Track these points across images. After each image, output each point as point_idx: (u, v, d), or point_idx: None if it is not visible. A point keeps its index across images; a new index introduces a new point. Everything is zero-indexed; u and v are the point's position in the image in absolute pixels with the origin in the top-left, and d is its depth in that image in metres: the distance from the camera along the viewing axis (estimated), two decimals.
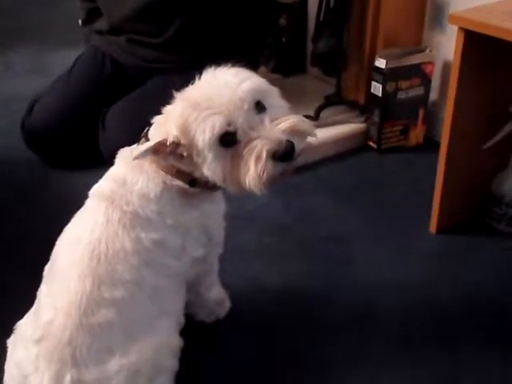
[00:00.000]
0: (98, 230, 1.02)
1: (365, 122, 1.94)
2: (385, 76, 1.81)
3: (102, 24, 1.94)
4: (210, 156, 0.97)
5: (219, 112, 0.95)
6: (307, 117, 1.93)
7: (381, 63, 1.80)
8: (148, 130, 1.09)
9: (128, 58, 1.90)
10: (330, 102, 1.99)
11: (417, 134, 1.94)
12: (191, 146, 0.98)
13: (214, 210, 1.15)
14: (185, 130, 0.97)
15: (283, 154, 0.94)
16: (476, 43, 1.29)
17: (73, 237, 1.04)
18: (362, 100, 1.97)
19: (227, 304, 1.32)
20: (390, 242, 1.55)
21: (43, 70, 2.58)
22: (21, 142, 1.89)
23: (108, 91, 1.89)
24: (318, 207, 1.69)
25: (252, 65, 2.07)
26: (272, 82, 2.24)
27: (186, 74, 1.84)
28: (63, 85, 1.91)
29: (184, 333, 1.10)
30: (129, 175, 1.06)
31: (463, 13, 1.26)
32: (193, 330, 1.20)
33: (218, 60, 1.95)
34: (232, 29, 1.90)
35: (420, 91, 1.87)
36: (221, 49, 1.87)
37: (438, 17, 1.86)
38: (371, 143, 1.93)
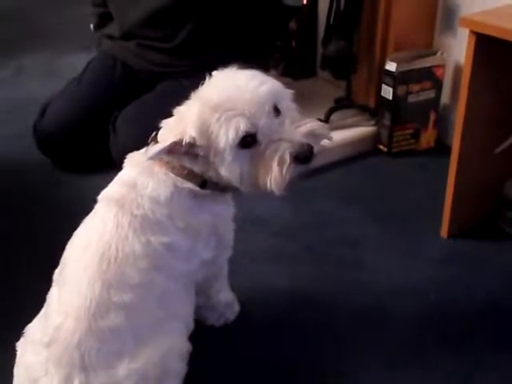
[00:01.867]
0: (108, 234, 1.02)
1: (375, 125, 1.93)
2: (395, 79, 1.80)
3: (113, 29, 1.95)
4: (229, 156, 0.99)
5: (242, 114, 0.96)
6: (317, 120, 1.93)
7: (391, 66, 1.79)
8: (157, 133, 1.09)
9: (138, 62, 1.91)
10: (340, 105, 1.98)
11: (428, 138, 1.93)
12: (209, 146, 0.99)
13: (224, 212, 1.15)
14: (204, 130, 0.98)
15: (305, 156, 0.97)
16: (487, 46, 1.28)
17: (83, 241, 1.05)
18: (372, 103, 1.97)
19: (236, 307, 1.32)
20: (400, 246, 1.54)
21: (55, 73, 2.59)
22: (33, 145, 1.90)
23: (119, 95, 1.89)
24: (328, 211, 1.68)
25: (262, 68, 2.09)
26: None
27: (196, 78, 1.87)
28: (74, 89, 1.92)
29: (193, 336, 1.10)
30: (139, 179, 1.06)
31: (474, 16, 1.25)
32: (202, 333, 1.19)
33: (228, 64, 1.96)
34: (242, 33, 1.90)
35: (431, 94, 1.86)
36: (231, 53, 1.87)
37: (449, 20, 1.85)
38: (382, 147, 1.92)
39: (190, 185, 1.06)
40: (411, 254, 1.51)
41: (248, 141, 0.98)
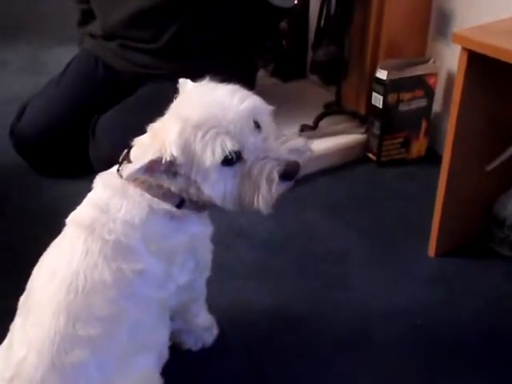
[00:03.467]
0: (76, 262, 0.97)
1: (365, 133, 1.88)
2: (386, 87, 1.74)
3: (95, 27, 1.88)
4: (214, 175, 0.95)
5: (227, 131, 0.93)
6: (306, 126, 1.88)
7: (382, 74, 1.74)
8: (129, 151, 1.04)
9: (121, 63, 1.84)
10: (329, 111, 1.93)
11: (418, 147, 1.88)
12: (191, 164, 0.95)
13: (202, 233, 1.10)
14: (186, 149, 0.94)
15: (292, 173, 0.96)
16: (480, 62, 1.23)
17: (49, 268, 0.99)
18: (362, 110, 1.91)
19: (215, 330, 1.27)
20: (386, 263, 1.49)
21: (39, 67, 2.51)
22: (11, 146, 1.83)
23: (101, 97, 1.83)
24: (314, 223, 1.63)
25: (250, 70, 2.04)
26: (270, 86, 2.22)
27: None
28: (54, 90, 1.85)
29: (168, 361, 1.06)
30: (112, 201, 1.01)
31: (467, 32, 1.20)
32: (178, 357, 1.15)
33: (215, 67, 1.89)
34: (230, 34, 1.84)
35: (423, 103, 1.81)
36: (217, 56, 1.82)
37: (443, 27, 1.79)
38: (371, 155, 1.87)
39: (166, 205, 1.01)
40: (397, 273, 1.46)
41: (232, 159, 0.94)
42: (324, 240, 1.57)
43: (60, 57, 2.33)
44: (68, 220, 1.04)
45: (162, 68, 1.79)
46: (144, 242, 1.00)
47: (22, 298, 1.02)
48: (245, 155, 0.95)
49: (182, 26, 1.74)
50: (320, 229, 1.61)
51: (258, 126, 0.97)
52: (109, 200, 1.01)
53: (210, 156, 0.93)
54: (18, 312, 1.01)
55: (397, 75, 1.74)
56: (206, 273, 1.15)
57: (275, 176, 0.95)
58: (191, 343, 1.23)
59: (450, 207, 1.44)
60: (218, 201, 0.99)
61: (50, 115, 1.79)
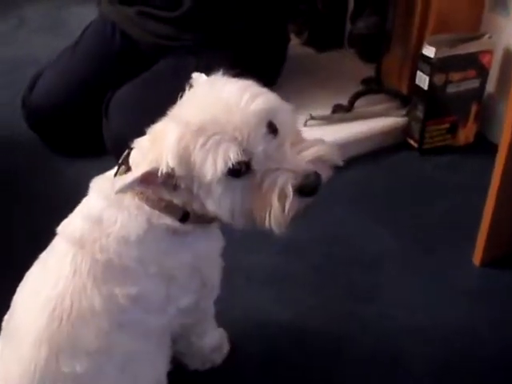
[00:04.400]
0: (63, 284, 0.85)
1: (406, 115, 1.68)
2: (433, 67, 1.54)
3: None
4: (218, 189, 0.80)
5: (232, 138, 0.78)
6: (339, 106, 1.70)
7: (429, 51, 1.53)
8: (129, 153, 0.89)
9: (139, 32, 1.68)
10: (367, 89, 1.74)
11: (467, 133, 1.68)
12: (192, 177, 0.81)
13: (210, 249, 0.96)
14: (185, 159, 0.79)
15: (311, 188, 0.80)
16: None
17: (33, 287, 0.88)
18: (404, 90, 1.71)
19: (225, 349, 1.14)
20: (424, 271, 1.33)
21: (60, 27, 2.38)
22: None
23: (117, 69, 1.69)
24: (342, 221, 1.47)
25: (281, 40, 1.85)
26: (303, 57, 2.03)
27: (204, 55, 1.63)
28: (68, 60, 1.71)
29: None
30: (105, 212, 0.87)
31: None
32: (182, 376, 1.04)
33: (242, 38, 1.69)
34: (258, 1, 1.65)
35: (474, 84, 1.60)
36: (245, 24, 1.64)
37: None
38: (412, 141, 1.68)
39: (168, 220, 0.87)
40: (437, 283, 1.30)
41: (240, 170, 0.79)
42: (353, 241, 1.41)
43: (81, 16, 2.18)
44: (59, 229, 0.91)
45: (184, 39, 1.63)
46: (141, 261, 0.86)
47: (7, 317, 0.91)
48: (254, 166, 0.79)
49: None
50: (349, 228, 1.45)
51: (274, 129, 0.81)
52: (102, 211, 0.87)
53: (211, 168, 0.78)
54: (2, 333, 0.91)
55: (446, 53, 1.54)
56: (215, 293, 1.01)
57: (289, 191, 0.79)
58: (198, 364, 1.10)
59: (504, 207, 1.25)
60: (224, 218, 0.84)
61: (64, 88, 1.67)
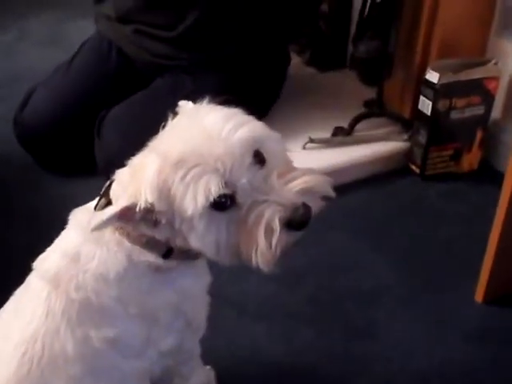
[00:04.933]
0: (35, 325, 0.79)
1: (408, 140, 1.63)
2: (436, 92, 1.49)
3: (109, 8, 1.67)
4: (201, 224, 0.75)
5: (213, 170, 0.72)
6: (340, 129, 1.65)
7: (433, 77, 1.48)
8: (109, 186, 0.84)
9: (136, 51, 1.64)
10: (368, 112, 1.69)
11: (471, 160, 1.62)
12: (173, 212, 0.76)
13: (195, 286, 0.90)
14: (164, 193, 0.74)
15: (300, 222, 0.74)
16: None
17: (6, 327, 0.82)
18: (407, 114, 1.66)
19: None
20: (424, 307, 1.27)
21: (61, 40, 2.35)
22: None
23: (112, 87, 1.65)
24: (341, 249, 1.41)
25: (281, 62, 1.80)
26: (305, 77, 1.99)
27: (201, 76, 1.59)
28: (62, 77, 1.67)
29: None
30: (83, 248, 0.82)
31: None
32: None
33: (240, 58, 1.64)
34: (259, 21, 1.61)
35: (479, 110, 1.55)
36: (244, 45, 1.59)
37: (509, 22, 1.51)
38: (414, 167, 1.63)
39: (150, 256, 0.81)
40: (436, 321, 1.24)
41: (224, 203, 0.74)
42: (352, 272, 1.35)
43: (84, 30, 2.12)
44: (34, 265, 0.86)
45: (181, 58, 1.59)
46: (120, 301, 0.81)
47: None
48: (239, 198, 0.74)
49: (202, 12, 1.52)
50: (348, 257, 1.39)
51: (261, 159, 0.76)
52: (80, 247, 0.82)
53: (192, 202, 0.73)
54: None
55: (450, 78, 1.49)
56: (200, 332, 0.95)
57: (276, 225, 0.73)
58: None
59: (510, 239, 1.19)
60: (209, 254, 0.79)
61: (56, 106, 1.62)
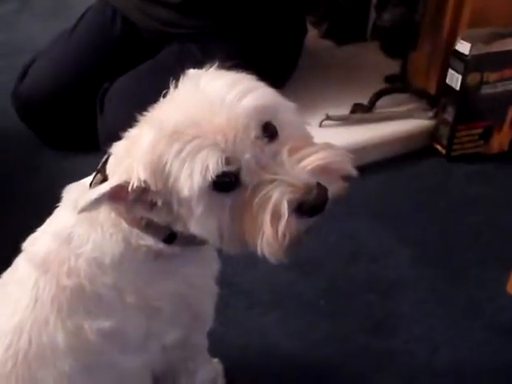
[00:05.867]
0: (20, 315, 0.72)
1: (433, 118, 1.52)
2: (467, 65, 1.39)
3: None
4: (200, 207, 0.65)
5: (213, 144, 0.63)
6: (359, 105, 1.54)
7: (463, 47, 1.38)
8: (106, 160, 0.74)
9: (141, 18, 1.54)
10: (390, 88, 1.58)
11: (501, 140, 1.51)
12: (170, 193, 0.66)
13: (202, 275, 0.81)
14: (159, 170, 0.65)
15: (313, 205, 0.64)
16: None
17: None
18: (432, 89, 1.55)
19: (220, 382, 1.00)
20: (449, 300, 1.17)
21: (64, 11, 2.24)
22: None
23: (116, 58, 1.56)
24: (359, 235, 1.31)
25: (297, 32, 1.69)
26: (322, 50, 1.87)
27: (208, 45, 1.48)
28: (63, 47, 1.58)
29: None
30: (76, 229, 0.73)
31: None
32: None
33: (251, 28, 1.52)
34: None
35: None
36: (256, 13, 1.48)
37: None
38: (439, 147, 1.52)
39: (149, 240, 0.72)
40: (464, 315, 1.14)
41: (226, 182, 0.64)
42: (370, 261, 1.26)
43: (87, 1, 2.01)
44: (24, 246, 0.77)
45: (187, 26, 1.49)
46: (117, 289, 0.73)
47: None
48: (243, 178, 0.64)
49: None
50: (368, 245, 1.29)
51: (272, 133, 0.66)
52: (73, 227, 0.73)
53: (188, 181, 0.63)
54: None
55: (482, 49, 1.39)
56: (207, 325, 0.86)
57: (284, 209, 0.63)
58: None
59: None
60: (212, 241, 0.70)
61: (57, 76, 1.53)
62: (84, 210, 0.66)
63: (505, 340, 1.10)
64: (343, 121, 1.52)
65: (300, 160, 0.65)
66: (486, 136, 1.50)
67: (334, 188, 0.66)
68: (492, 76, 1.42)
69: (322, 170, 0.65)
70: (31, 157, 1.57)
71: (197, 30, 1.47)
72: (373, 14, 1.64)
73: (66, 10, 2.26)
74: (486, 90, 1.43)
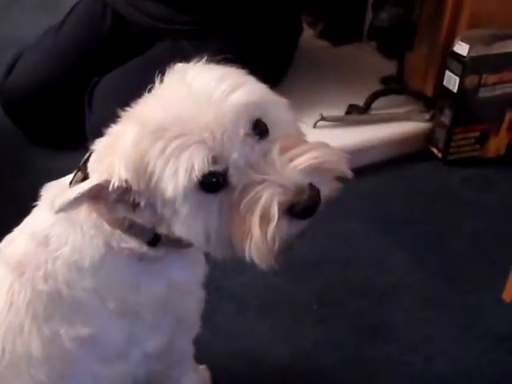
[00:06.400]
0: None
1: (430, 121, 1.49)
2: (465, 66, 1.36)
3: None
4: (185, 208, 0.61)
5: (199, 142, 0.59)
6: (355, 106, 1.51)
7: (462, 49, 1.35)
8: (88, 157, 0.70)
9: (132, 12, 1.51)
10: (386, 89, 1.55)
11: (498, 144, 1.49)
12: (153, 192, 0.62)
13: (187, 279, 0.77)
14: (141, 169, 0.61)
15: (305, 207, 0.60)
16: None
17: None
18: (429, 91, 1.52)
19: None
20: (446, 307, 1.14)
21: (54, 5, 2.18)
22: None
23: (105, 53, 1.53)
24: (354, 239, 1.28)
25: (291, 31, 1.66)
26: (317, 51, 1.84)
27: (201, 42, 1.45)
28: (51, 41, 1.54)
29: None
30: (55, 230, 0.69)
31: None
32: None
33: (245, 25, 1.49)
34: None
35: (511, 88, 1.41)
36: (250, 10, 1.45)
37: None
38: (435, 150, 1.49)
39: (132, 243, 0.68)
40: (460, 323, 1.11)
41: (213, 182, 0.61)
42: (364, 266, 1.22)
43: None
44: (1, 246, 0.73)
45: (180, 22, 1.45)
46: (97, 294, 0.69)
47: None
48: (231, 178, 0.61)
49: None
50: (362, 249, 1.26)
51: (263, 130, 0.63)
52: (51, 228, 0.69)
53: (172, 181, 0.60)
54: None
55: (481, 51, 1.36)
56: (193, 331, 0.82)
57: (274, 211, 0.59)
58: None
59: None
60: (198, 245, 0.66)
61: (45, 70, 1.50)
62: (61, 209, 0.62)
63: (501, 349, 1.07)
64: (338, 122, 1.50)
65: (291, 159, 0.61)
66: (483, 140, 1.47)
67: (326, 189, 0.63)
68: (490, 78, 1.39)
69: (315, 169, 0.62)
70: (18, 154, 1.52)
71: (190, 26, 1.44)
72: (369, 14, 1.62)
73: (56, 4, 2.21)
74: (484, 93, 1.41)
